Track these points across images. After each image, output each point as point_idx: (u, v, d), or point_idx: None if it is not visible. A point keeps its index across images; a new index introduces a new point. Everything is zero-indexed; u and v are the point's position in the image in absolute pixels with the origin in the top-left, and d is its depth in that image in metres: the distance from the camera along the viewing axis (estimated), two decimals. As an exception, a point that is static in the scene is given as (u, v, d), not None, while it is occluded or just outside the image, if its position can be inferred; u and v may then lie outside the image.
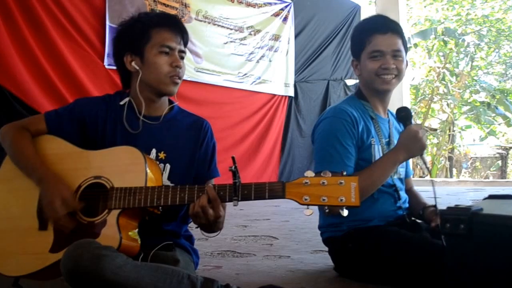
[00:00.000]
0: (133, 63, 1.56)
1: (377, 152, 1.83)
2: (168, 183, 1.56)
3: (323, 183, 1.23)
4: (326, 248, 1.98)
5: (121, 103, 1.60)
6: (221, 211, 1.33)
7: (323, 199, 1.22)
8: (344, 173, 1.24)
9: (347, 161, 1.75)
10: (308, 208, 1.23)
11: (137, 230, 1.42)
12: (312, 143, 1.91)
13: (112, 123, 1.58)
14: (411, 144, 1.72)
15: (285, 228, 3.39)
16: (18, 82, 4.18)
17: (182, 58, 1.60)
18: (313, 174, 1.26)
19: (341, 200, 1.21)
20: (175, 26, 1.59)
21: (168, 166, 1.59)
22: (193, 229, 1.56)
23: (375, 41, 1.83)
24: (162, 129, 1.61)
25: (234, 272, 2.07)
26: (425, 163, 1.89)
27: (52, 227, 1.41)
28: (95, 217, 1.39)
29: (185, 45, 1.62)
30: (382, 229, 1.77)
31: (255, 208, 4.61)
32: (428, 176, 12.81)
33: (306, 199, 1.23)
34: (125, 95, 1.62)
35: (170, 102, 1.69)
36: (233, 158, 1.29)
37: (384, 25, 1.86)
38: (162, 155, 1.59)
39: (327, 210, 1.26)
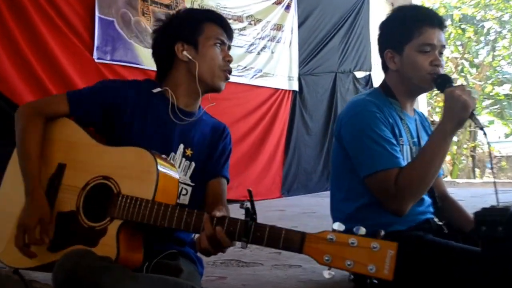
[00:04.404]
0: (185, 52, 1.65)
1: (406, 153, 1.82)
2: (189, 181, 1.63)
3: (352, 243, 1.10)
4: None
5: (154, 91, 1.65)
6: (231, 244, 1.29)
7: (348, 264, 1.10)
8: (382, 233, 1.13)
9: (396, 153, 1.71)
10: (329, 269, 1.13)
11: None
12: (336, 141, 1.88)
13: (142, 110, 1.62)
14: (452, 107, 1.65)
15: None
16: (1, 75, 4.19)
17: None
18: (343, 228, 1.15)
19: (371, 269, 1.08)
20: (224, 22, 1.73)
21: (193, 164, 1.66)
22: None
23: (426, 33, 1.79)
24: (192, 127, 1.69)
25: (240, 283, 2.07)
26: (477, 124, 1.69)
27: (54, 222, 1.46)
28: (97, 222, 1.41)
29: (230, 45, 1.76)
30: (404, 235, 1.75)
31: (258, 214, 4.60)
32: (448, 176, 12.77)
33: (327, 260, 1.11)
34: (157, 84, 1.69)
35: None
36: (249, 192, 1.23)
37: (434, 17, 1.84)
38: (189, 151, 1.66)
39: (351, 277, 1.16)
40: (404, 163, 1.71)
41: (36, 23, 4.42)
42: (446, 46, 1.87)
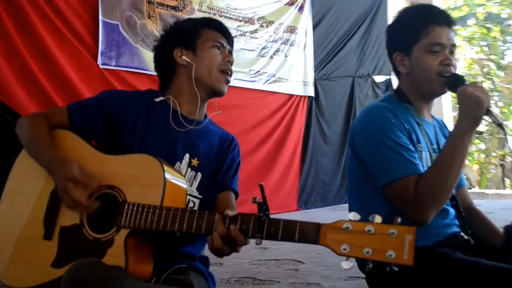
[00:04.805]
0: (183, 57, 1.71)
1: (425, 160, 1.80)
2: (196, 193, 1.64)
3: (369, 230, 1.15)
4: (363, 274, 1.91)
5: (157, 100, 1.70)
6: (245, 242, 1.32)
7: (367, 252, 1.13)
8: (399, 220, 1.16)
9: (414, 160, 1.71)
10: (347, 260, 1.16)
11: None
12: (351, 150, 1.88)
13: (144, 120, 1.66)
14: (465, 105, 1.66)
15: (312, 250, 3.34)
16: (2, 85, 4.20)
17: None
18: (359, 217, 1.18)
19: (390, 256, 1.12)
20: (223, 28, 1.80)
21: (199, 175, 1.67)
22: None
23: (434, 32, 1.80)
24: (198, 136, 1.71)
25: (256, 302, 2.04)
26: (494, 121, 1.70)
27: (57, 237, 1.46)
28: (103, 234, 1.41)
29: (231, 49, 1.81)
30: (429, 251, 1.72)
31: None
32: (476, 187, 12.63)
33: (344, 249, 1.15)
34: (159, 94, 1.74)
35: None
36: (261, 186, 1.26)
37: (441, 15, 1.85)
38: (195, 162, 1.68)
39: (370, 266, 1.17)
40: (423, 170, 1.70)
41: (37, 27, 4.44)
42: (458, 45, 1.90)
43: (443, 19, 1.83)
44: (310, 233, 1.20)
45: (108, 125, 1.63)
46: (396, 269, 1.13)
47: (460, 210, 1.87)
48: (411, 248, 1.12)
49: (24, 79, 4.36)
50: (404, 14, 1.92)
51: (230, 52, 1.78)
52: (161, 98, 1.71)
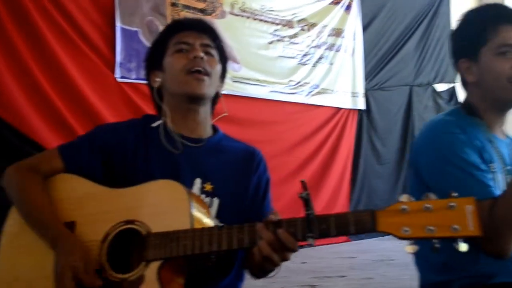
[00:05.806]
0: (156, 79, 1.77)
1: (500, 182, 1.76)
2: (217, 222, 1.61)
3: (427, 208, 1.21)
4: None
5: (153, 125, 1.73)
6: (295, 245, 1.36)
7: (430, 230, 1.20)
8: (454, 194, 1.23)
9: (487, 181, 1.68)
10: (411, 243, 1.23)
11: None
12: (413, 172, 1.85)
13: (144, 150, 1.69)
14: None
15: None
16: (8, 102, 4.26)
17: (208, 53, 1.77)
18: (413, 198, 1.25)
19: (455, 229, 1.18)
20: (190, 24, 1.81)
21: (216, 200, 1.67)
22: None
23: (505, 32, 1.79)
24: (207, 156, 1.73)
25: None
26: None
27: None
28: (129, 273, 1.42)
29: (213, 39, 1.81)
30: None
31: (324, 261, 4.55)
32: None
33: (406, 231, 1.22)
34: (157, 118, 1.77)
35: (214, 127, 1.87)
36: (303, 182, 1.32)
37: (511, 14, 1.85)
38: (208, 186, 1.68)
39: (437, 245, 1.21)
40: (498, 192, 1.68)
41: (47, 37, 4.52)
42: None
43: None
44: (366, 221, 1.26)
45: (107, 163, 1.66)
46: (465, 244, 1.18)
47: None
48: (475, 218, 1.18)
49: (35, 98, 4.45)
50: (469, 16, 1.93)
51: (206, 45, 1.77)
52: (158, 122, 1.74)
